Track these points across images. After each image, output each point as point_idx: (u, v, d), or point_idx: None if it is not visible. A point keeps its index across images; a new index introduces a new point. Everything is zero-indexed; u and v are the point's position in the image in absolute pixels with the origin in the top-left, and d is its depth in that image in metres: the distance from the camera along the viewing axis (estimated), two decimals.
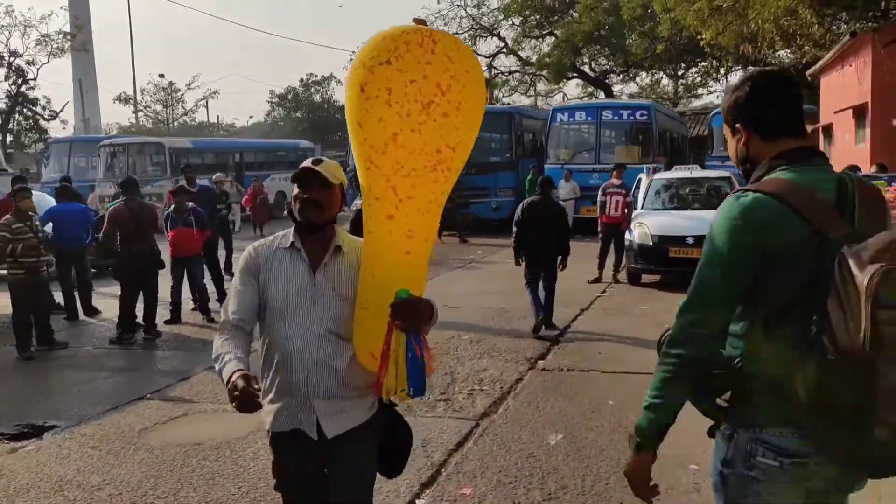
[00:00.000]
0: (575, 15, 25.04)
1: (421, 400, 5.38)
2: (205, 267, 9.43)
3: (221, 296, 9.90)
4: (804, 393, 1.58)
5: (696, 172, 12.57)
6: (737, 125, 1.87)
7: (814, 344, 1.57)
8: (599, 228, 11.46)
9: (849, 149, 15.37)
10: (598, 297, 10.20)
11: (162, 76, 53.47)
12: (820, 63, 17.90)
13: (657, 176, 12.03)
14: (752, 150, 1.85)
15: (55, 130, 32.88)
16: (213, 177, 14.59)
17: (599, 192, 11.59)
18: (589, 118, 18.39)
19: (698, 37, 15.93)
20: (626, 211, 11.33)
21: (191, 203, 9.11)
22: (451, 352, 7.35)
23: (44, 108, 29.13)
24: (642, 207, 11.43)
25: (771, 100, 1.84)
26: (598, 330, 8.21)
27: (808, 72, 19.73)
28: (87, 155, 25.32)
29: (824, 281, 1.57)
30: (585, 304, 9.59)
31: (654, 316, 8.53)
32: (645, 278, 10.93)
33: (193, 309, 9.23)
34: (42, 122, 29.60)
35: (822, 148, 18.46)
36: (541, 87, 38.31)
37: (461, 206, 19.04)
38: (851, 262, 1.53)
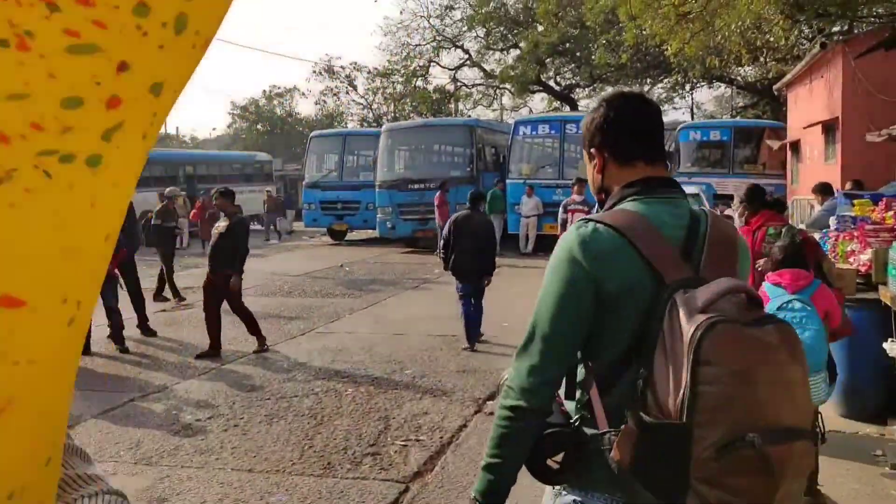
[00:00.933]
0: (540, 28, 24.45)
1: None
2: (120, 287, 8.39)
3: (142, 321, 8.87)
4: (626, 457, 1.44)
5: None
6: (592, 150, 1.70)
7: (638, 403, 1.44)
8: None
9: (818, 166, 14.85)
10: None
11: None
12: (787, 77, 17.46)
13: None
14: (608, 177, 1.69)
15: None
16: (166, 191, 13.45)
17: (560, 209, 10.80)
18: (552, 131, 17.71)
19: (663, 47, 15.31)
20: None
21: None
22: (388, 390, 6.42)
23: None
24: None
25: (627, 123, 1.67)
26: None
27: (775, 86, 19.34)
28: None
29: (656, 331, 1.44)
30: None
31: None
32: None
33: (109, 336, 8.19)
34: None
35: (789, 165, 18.05)
36: (505, 100, 37.78)
37: (420, 223, 18.20)
38: (681, 311, 1.40)
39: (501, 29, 27.30)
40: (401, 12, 39.68)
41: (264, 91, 58.86)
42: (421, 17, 29.09)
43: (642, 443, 1.41)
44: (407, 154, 20.51)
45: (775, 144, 17.24)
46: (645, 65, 27.99)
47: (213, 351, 7.77)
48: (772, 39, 15.00)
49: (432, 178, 18.39)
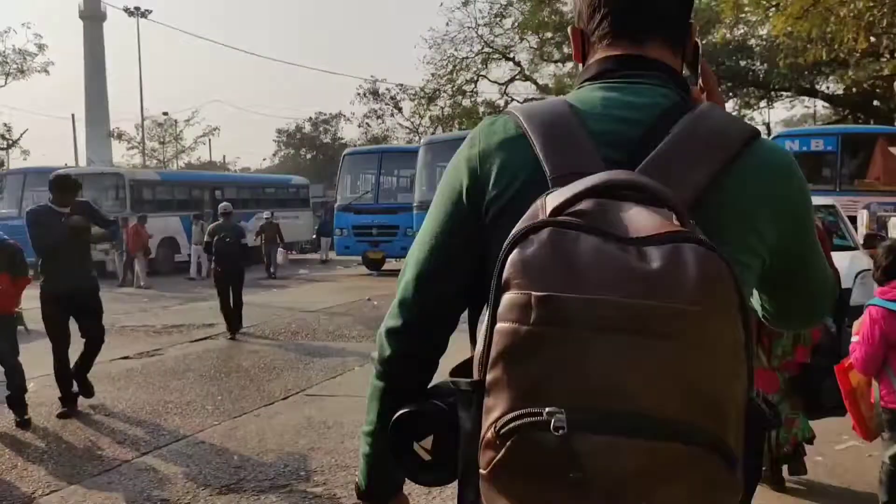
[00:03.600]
0: None
1: None
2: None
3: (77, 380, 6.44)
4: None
5: None
6: (570, 29, 1.19)
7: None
8: None
9: None
10: None
11: (166, 114, 51.14)
12: None
13: None
14: (585, 61, 1.15)
15: (16, 161, 30.23)
16: (220, 206, 11.07)
17: None
18: None
19: (761, 31, 12.59)
20: None
21: None
22: None
23: (3, 136, 26.41)
24: None
25: None
26: None
27: None
28: (45, 187, 22.35)
29: None
30: None
31: None
32: None
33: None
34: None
35: None
36: None
37: None
38: (526, 215, 0.91)
39: (556, 37, 24.81)
40: (447, 24, 37.25)
41: (310, 118, 57.90)
42: (469, 27, 26.84)
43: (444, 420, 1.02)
44: None
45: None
46: (718, 74, 25.11)
47: None
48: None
49: None
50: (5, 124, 29.75)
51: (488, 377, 0.83)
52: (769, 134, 32.80)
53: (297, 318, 11.22)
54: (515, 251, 0.84)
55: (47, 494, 4.03)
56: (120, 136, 50.25)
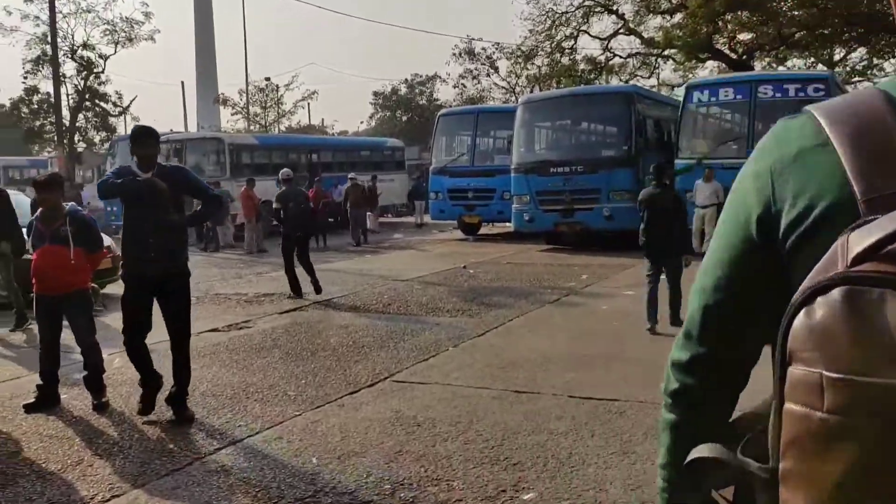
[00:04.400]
0: None
1: None
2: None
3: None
4: None
5: None
6: None
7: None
8: None
9: None
10: None
11: (268, 80, 51.93)
12: None
13: None
14: None
15: (126, 128, 31.17)
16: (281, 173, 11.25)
17: None
18: (739, 96, 13.59)
19: None
20: None
21: (72, 204, 5.47)
22: None
23: (115, 104, 27.28)
24: None
25: None
26: None
27: None
28: None
29: None
30: None
31: None
32: None
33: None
34: (111, 119, 27.77)
35: None
36: (665, 74, 33.08)
37: (563, 214, 14.73)
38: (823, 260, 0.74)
39: None
40: None
41: (406, 80, 57.44)
42: None
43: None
44: (549, 131, 17.05)
45: None
46: (843, 21, 22.58)
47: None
48: None
49: (580, 161, 14.87)
50: (117, 92, 30.77)
51: (781, 465, 0.73)
52: None
53: (390, 287, 10.74)
54: (801, 315, 0.71)
55: (107, 501, 3.62)
56: (225, 102, 51.52)
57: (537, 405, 4.96)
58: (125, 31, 26.52)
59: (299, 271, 10.19)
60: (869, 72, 28.50)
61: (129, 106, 32.21)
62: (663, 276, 7.47)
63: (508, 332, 7.49)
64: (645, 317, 7.31)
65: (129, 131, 33.82)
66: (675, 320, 7.41)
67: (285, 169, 11.63)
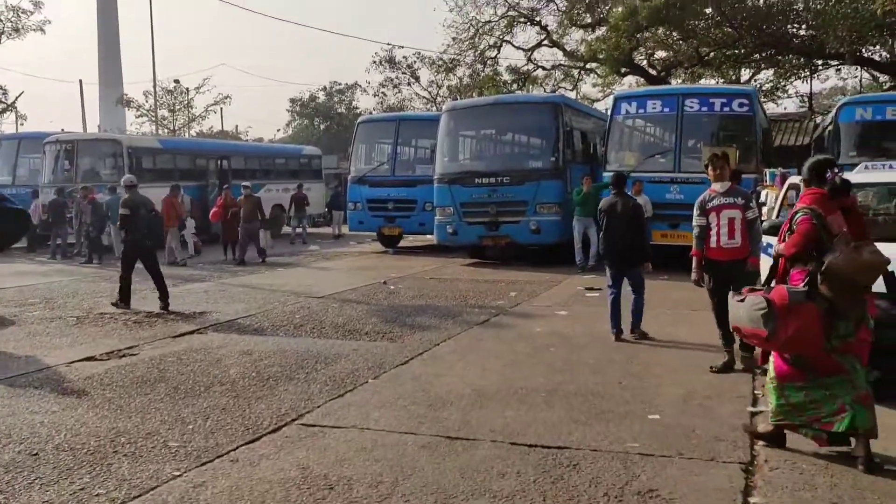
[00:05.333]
0: None
1: None
2: None
3: None
4: None
5: None
6: None
7: None
8: (696, 268, 6.25)
9: None
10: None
11: (177, 82, 49.44)
12: None
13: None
14: None
15: (9, 126, 28.77)
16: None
17: (696, 208, 6.36)
18: (667, 109, 13.28)
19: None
20: (746, 237, 6.11)
21: None
22: None
23: None
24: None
25: None
26: None
27: None
28: (40, 153, 20.87)
29: None
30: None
31: None
32: None
33: None
34: None
35: None
36: (586, 88, 33.18)
37: (489, 227, 14.06)
38: None
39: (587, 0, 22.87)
40: None
41: (324, 87, 56.11)
42: None
43: None
44: (474, 141, 16.39)
45: None
46: (759, 40, 23.01)
47: None
48: None
49: (506, 172, 14.26)
50: (1, 87, 28.31)
51: None
52: (811, 105, 30.78)
53: (303, 305, 9.74)
54: None
55: None
56: (129, 104, 48.76)
57: (474, 456, 4.14)
58: (11, 21, 24.34)
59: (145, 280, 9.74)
60: (776, 92, 29.42)
61: (14, 102, 29.72)
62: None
63: (435, 359, 6.66)
64: (609, 326, 7.44)
65: (17, 129, 31.07)
66: (636, 328, 7.40)
67: (128, 175, 11.61)
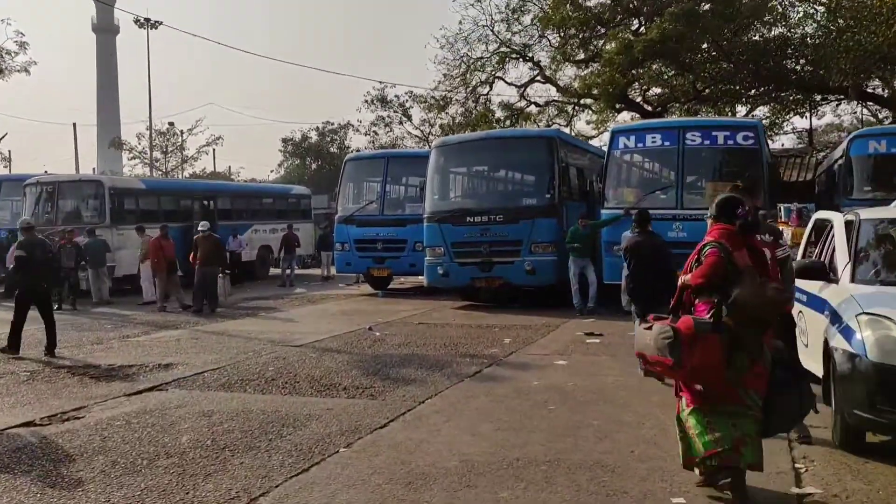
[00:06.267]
0: (635, 23, 19.46)
1: None
2: None
3: None
4: None
5: None
6: None
7: None
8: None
9: None
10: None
11: (171, 125, 49.09)
12: None
13: (867, 215, 6.01)
14: None
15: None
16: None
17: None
18: (667, 143, 12.68)
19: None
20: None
21: None
22: None
23: None
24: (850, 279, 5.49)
25: None
26: None
27: None
28: (20, 196, 20.16)
29: None
30: None
31: None
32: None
33: None
34: None
35: None
36: (580, 125, 32.81)
37: (481, 267, 13.32)
38: None
39: (580, 34, 22.48)
40: (460, 22, 34.76)
41: (317, 128, 55.83)
42: (483, 25, 24.59)
43: None
44: (465, 178, 15.76)
45: None
46: (754, 78, 22.64)
47: None
48: None
49: (499, 210, 13.59)
50: None
51: None
52: (811, 140, 30.37)
53: (278, 356, 8.93)
54: None
55: None
56: (121, 146, 48.34)
57: None
58: None
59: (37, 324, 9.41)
60: (773, 129, 29.01)
61: None
62: None
63: (419, 420, 5.86)
64: (611, 378, 7.11)
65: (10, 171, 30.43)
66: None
67: (25, 217, 11.56)
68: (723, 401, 3.91)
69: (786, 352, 4.17)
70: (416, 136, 38.98)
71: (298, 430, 5.59)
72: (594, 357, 8.42)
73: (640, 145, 13.14)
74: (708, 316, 3.91)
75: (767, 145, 14.59)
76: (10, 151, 29.40)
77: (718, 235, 4.10)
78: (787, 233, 10.43)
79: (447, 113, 32.67)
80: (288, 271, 20.84)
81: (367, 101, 38.62)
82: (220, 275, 15.02)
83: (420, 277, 15.56)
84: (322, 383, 7.33)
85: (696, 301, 4.08)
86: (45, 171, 23.44)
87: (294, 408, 6.32)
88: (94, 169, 47.20)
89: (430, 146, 31.49)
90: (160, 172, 46.65)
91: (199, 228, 14.90)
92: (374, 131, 39.72)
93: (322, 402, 6.52)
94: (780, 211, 11.98)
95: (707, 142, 12.55)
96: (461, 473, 4.52)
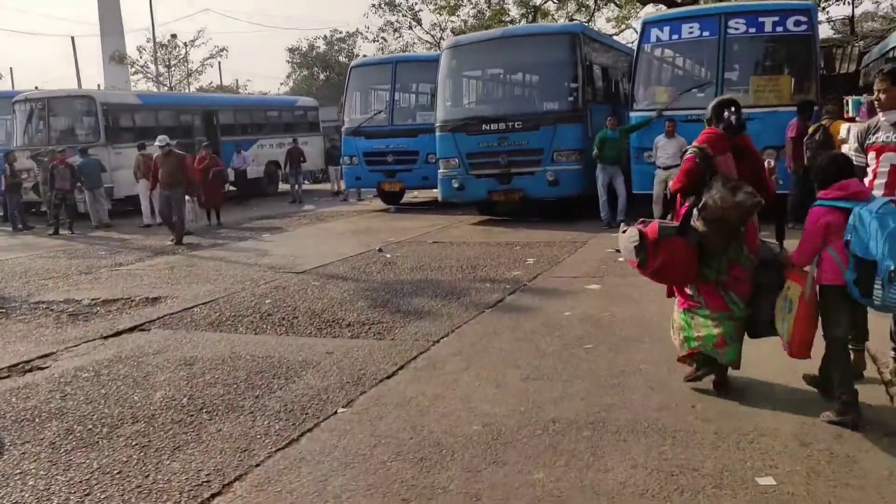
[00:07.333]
0: None
1: None
2: None
3: None
4: None
5: None
6: None
7: None
8: None
9: None
10: None
11: (174, 36, 47.11)
12: None
13: None
14: None
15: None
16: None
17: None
18: (706, 33, 11.26)
19: None
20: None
21: None
22: None
23: None
24: None
25: None
26: None
27: None
28: (8, 114, 19.09)
29: None
30: None
31: None
32: None
33: None
34: None
35: None
36: (600, 23, 30.76)
37: (499, 180, 12.25)
38: None
39: None
40: None
41: (325, 36, 53.61)
42: None
43: None
44: (480, 82, 14.43)
45: None
46: None
47: None
48: None
49: (517, 116, 12.35)
50: None
51: None
52: (853, 30, 28.10)
53: (278, 285, 8.07)
54: None
55: None
56: (122, 60, 46.63)
57: None
58: None
59: None
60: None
61: None
62: None
63: (432, 368, 4.97)
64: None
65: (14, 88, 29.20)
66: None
67: None
68: (709, 305, 4.07)
69: (778, 254, 4.07)
70: (426, 41, 37.02)
71: (291, 383, 4.74)
72: (631, 279, 7.45)
73: (675, 37, 11.70)
74: (678, 219, 4.07)
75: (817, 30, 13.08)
76: (10, 69, 28.01)
77: (702, 140, 4.09)
78: (855, 131, 9.17)
79: (458, 16, 30.76)
80: (296, 187, 19.92)
81: (374, 6, 36.55)
82: (188, 197, 13.01)
83: (434, 191, 14.52)
84: (323, 319, 6.47)
85: (682, 205, 4.11)
86: (36, 88, 22.23)
87: (289, 352, 5.47)
88: (98, 86, 45.78)
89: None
90: (165, 87, 45.15)
91: (157, 144, 12.30)
92: (382, 38, 37.73)
93: (321, 344, 5.66)
94: (848, 104, 10.63)
95: (752, 29, 11.11)
96: (485, 444, 3.65)
